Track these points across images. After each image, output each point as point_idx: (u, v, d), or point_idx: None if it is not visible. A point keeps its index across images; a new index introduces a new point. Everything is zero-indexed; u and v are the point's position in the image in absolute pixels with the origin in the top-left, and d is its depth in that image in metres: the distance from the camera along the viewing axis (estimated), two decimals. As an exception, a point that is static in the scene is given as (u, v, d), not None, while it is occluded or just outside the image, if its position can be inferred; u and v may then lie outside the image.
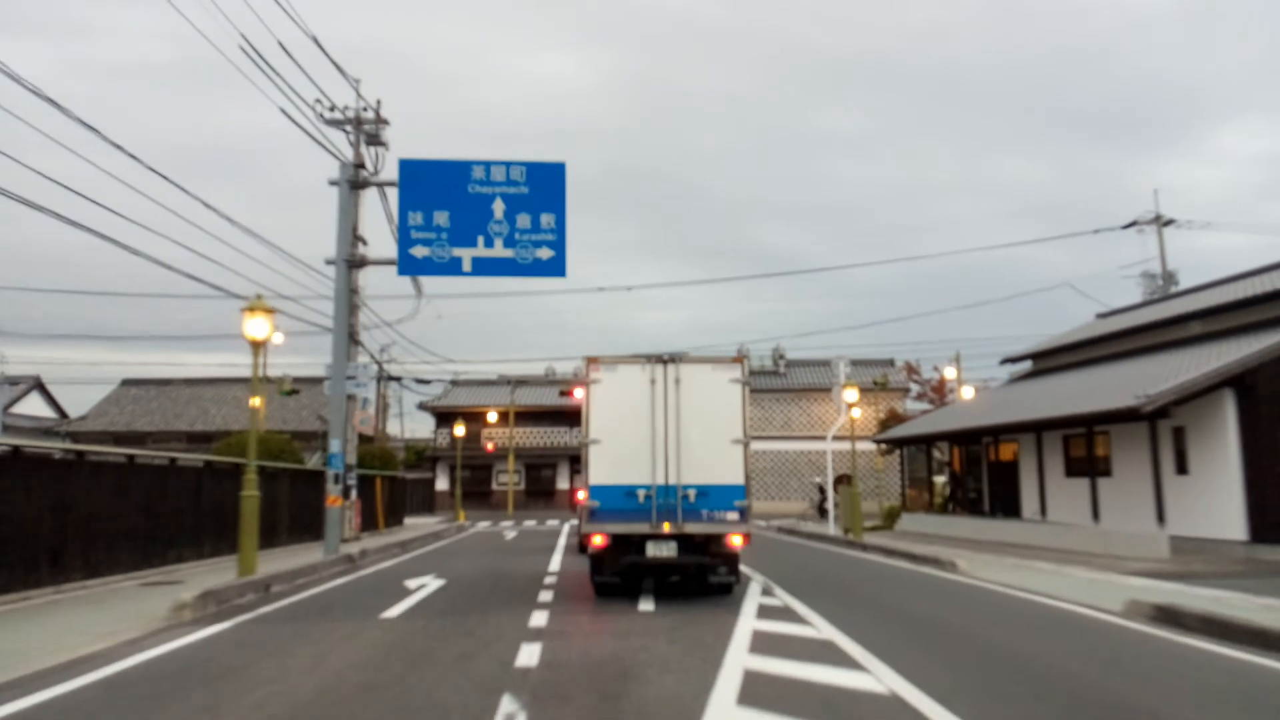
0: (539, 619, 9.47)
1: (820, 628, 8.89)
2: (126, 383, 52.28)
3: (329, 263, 17.42)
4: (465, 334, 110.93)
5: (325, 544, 17.00)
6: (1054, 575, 14.42)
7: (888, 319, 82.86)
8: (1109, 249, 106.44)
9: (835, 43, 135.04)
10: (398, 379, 45.29)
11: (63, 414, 52.46)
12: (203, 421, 49.38)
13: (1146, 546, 17.17)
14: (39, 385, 52.15)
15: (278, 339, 41.43)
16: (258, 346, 12.91)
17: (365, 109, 25.53)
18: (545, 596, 11.45)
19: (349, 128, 24.99)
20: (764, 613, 9.93)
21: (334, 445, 17.19)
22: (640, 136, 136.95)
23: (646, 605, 10.57)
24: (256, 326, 12.84)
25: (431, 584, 13.10)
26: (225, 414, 49.79)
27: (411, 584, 13.08)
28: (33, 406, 51.39)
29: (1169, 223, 37.66)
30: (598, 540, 11.25)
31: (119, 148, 13.95)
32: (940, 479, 33.06)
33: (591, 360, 11.67)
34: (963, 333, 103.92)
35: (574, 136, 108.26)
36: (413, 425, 71.53)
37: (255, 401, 13.12)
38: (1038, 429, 22.04)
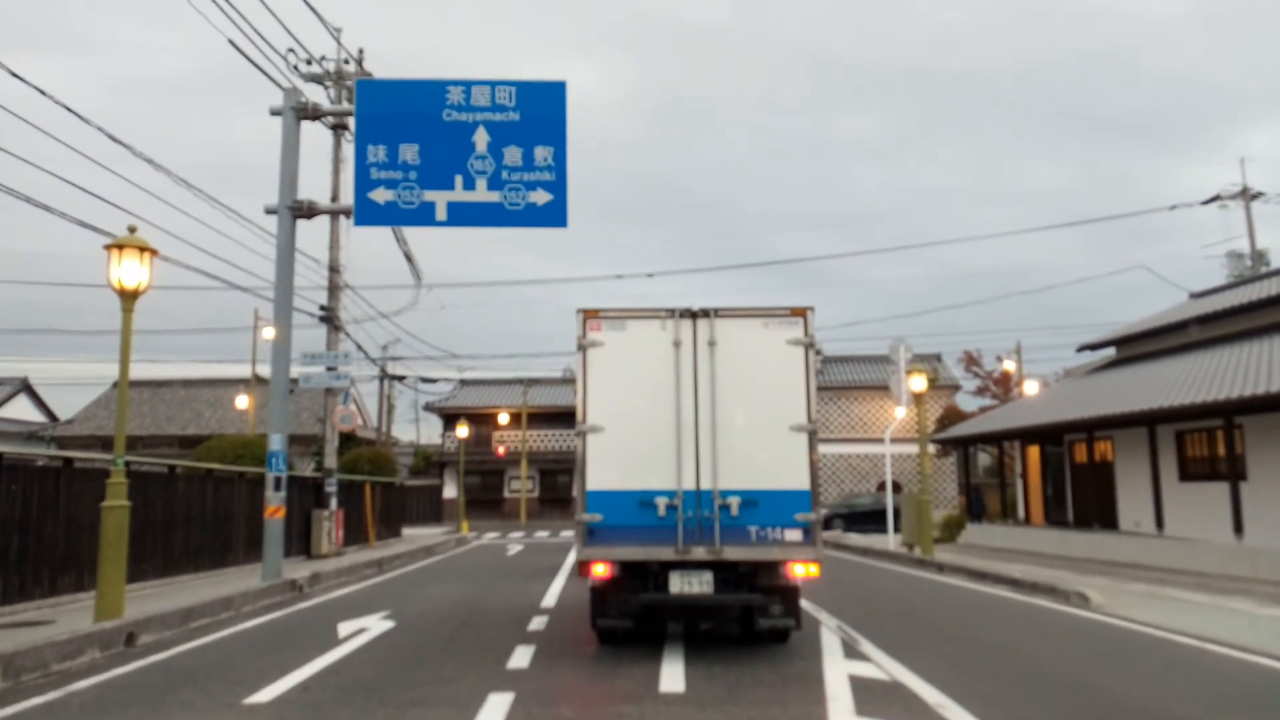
0: (493, 713, 5.77)
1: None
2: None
3: (269, 212, 13.82)
4: (474, 333, 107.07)
5: (263, 567, 13.42)
6: (1228, 614, 10.59)
7: (939, 307, 77.56)
8: (1145, 250, 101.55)
9: (855, 51, 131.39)
10: (400, 378, 41.97)
11: (53, 417, 49.54)
12: (196, 425, 46.29)
13: (1320, 570, 13.29)
14: (27, 387, 49.22)
15: (266, 333, 38.31)
16: (130, 298, 9.31)
17: (346, 61, 22.16)
18: (521, 658, 7.73)
19: (328, 83, 21.59)
20: (865, 698, 6.15)
21: (274, 442, 13.57)
22: (659, 148, 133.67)
23: (672, 677, 6.85)
24: (129, 271, 9.26)
25: (373, 629, 9.44)
26: (220, 417, 46.68)
27: (346, 629, 9.43)
28: (20, 410, 48.50)
29: (1256, 196, 33.49)
30: (599, 570, 7.73)
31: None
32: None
33: (590, 314, 8.11)
34: (1012, 325, 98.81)
35: (593, 147, 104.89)
36: (429, 431, 68.01)
37: (124, 375, 9.49)
38: (1150, 422, 18.12)
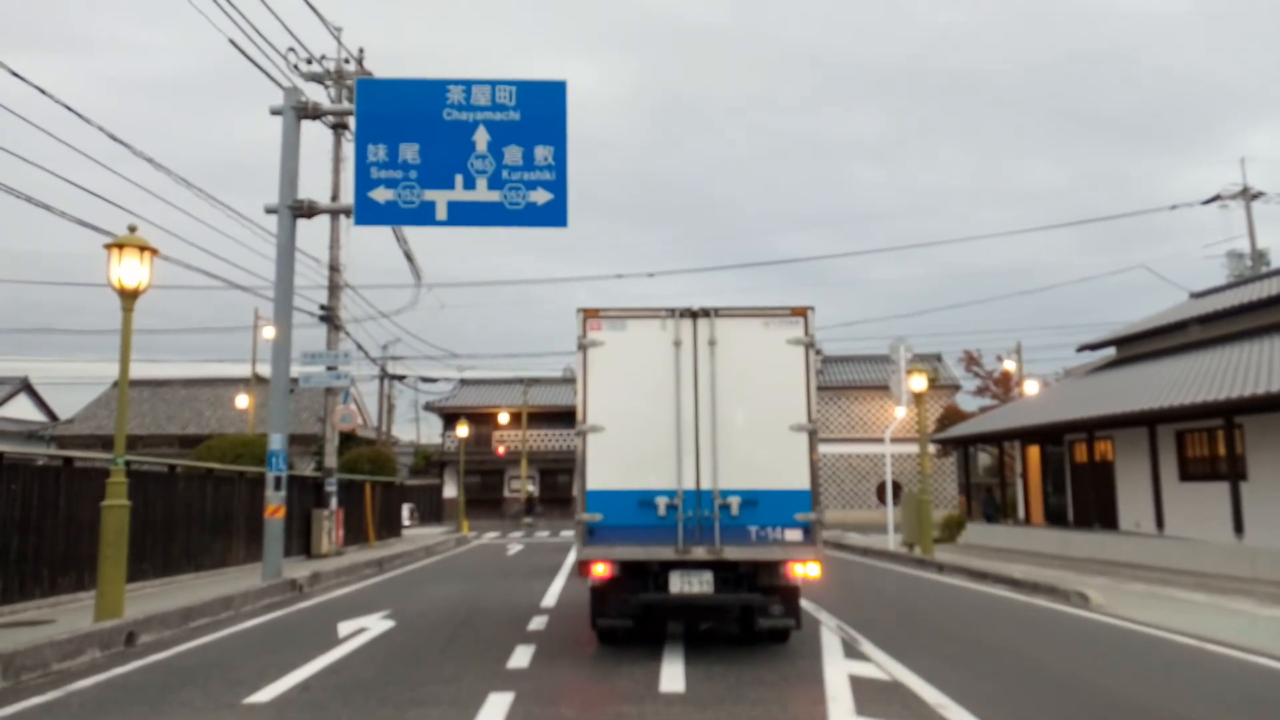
0: (493, 713, 5.77)
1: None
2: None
3: (269, 211, 13.84)
4: (474, 333, 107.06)
5: (263, 567, 13.43)
6: (1228, 614, 10.58)
7: (939, 307, 77.70)
8: (1145, 250, 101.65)
9: (855, 51, 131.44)
10: (400, 377, 41.96)
11: (53, 416, 49.53)
12: (196, 424, 46.28)
13: (1321, 571, 13.28)
14: (27, 386, 49.22)
15: (266, 333, 38.34)
16: (130, 298, 9.32)
17: (347, 60, 22.15)
18: (520, 657, 7.74)
19: (329, 82, 21.59)
20: (865, 698, 6.15)
21: (274, 441, 13.58)
22: (659, 148, 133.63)
23: (672, 677, 6.85)
24: (129, 271, 9.27)
25: (373, 628, 9.45)
26: (220, 416, 46.68)
27: (346, 628, 9.44)
28: (20, 409, 48.49)
29: (1257, 195, 33.47)
30: (599, 570, 7.74)
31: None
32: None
33: (590, 314, 8.11)
34: (1012, 325, 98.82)
35: (593, 147, 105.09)
36: (429, 431, 68.03)
37: (124, 374, 9.51)
38: (1150, 422, 18.11)
